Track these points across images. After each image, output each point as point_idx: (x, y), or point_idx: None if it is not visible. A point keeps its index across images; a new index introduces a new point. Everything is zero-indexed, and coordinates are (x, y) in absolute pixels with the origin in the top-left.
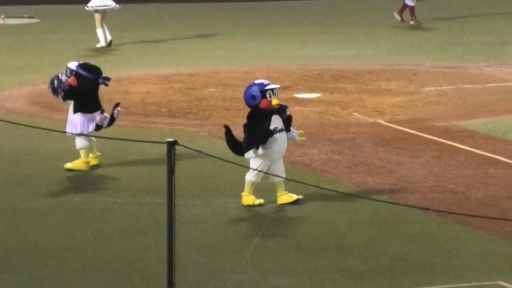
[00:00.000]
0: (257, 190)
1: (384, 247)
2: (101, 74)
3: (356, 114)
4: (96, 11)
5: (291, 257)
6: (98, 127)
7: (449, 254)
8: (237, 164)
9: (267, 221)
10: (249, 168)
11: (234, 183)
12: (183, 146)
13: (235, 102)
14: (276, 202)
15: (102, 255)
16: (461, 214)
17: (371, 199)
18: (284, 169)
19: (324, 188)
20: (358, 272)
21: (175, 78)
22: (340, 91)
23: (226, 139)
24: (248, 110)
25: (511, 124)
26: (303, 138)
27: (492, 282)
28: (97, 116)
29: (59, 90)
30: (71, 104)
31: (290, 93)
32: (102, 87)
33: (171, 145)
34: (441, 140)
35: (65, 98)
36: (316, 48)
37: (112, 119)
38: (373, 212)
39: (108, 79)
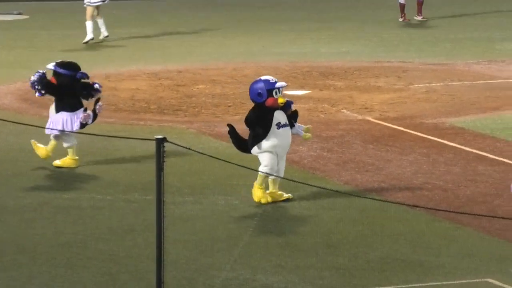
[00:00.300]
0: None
1: (373, 245)
2: (79, 69)
3: (345, 111)
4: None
5: (280, 254)
6: (82, 126)
7: (438, 251)
8: (226, 161)
9: (256, 218)
10: (238, 165)
11: (223, 180)
12: (172, 143)
13: (224, 99)
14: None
15: (91, 252)
16: (450, 211)
17: (360, 196)
18: (284, 167)
19: (313, 185)
20: (347, 269)
21: (164, 74)
22: (329, 88)
23: (230, 137)
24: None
25: (500, 121)
26: (309, 134)
27: (480, 280)
28: (80, 114)
29: (36, 86)
30: (52, 103)
31: None
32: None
33: (160, 142)
34: (430, 137)
35: (43, 94)
36: (306, 45)
37: (95, 115)
38: (362, 209)
39: (85, 74)
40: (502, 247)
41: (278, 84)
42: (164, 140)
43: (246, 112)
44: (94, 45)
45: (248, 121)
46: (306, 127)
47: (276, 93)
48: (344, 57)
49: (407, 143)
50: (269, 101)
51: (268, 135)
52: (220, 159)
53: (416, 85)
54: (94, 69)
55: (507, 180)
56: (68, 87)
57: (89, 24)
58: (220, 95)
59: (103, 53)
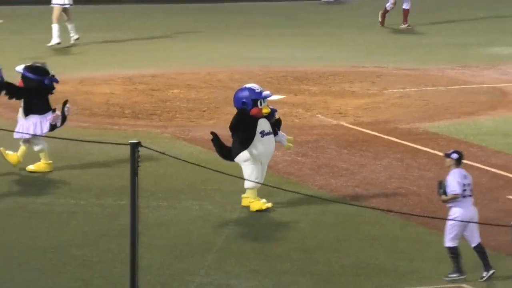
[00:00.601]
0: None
1: (347, 249)
2: (48, 74)
3: (319, 116)
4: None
5: (254, 260)
6: (52, 127)
7: (412, 256)
8: (201, 166)
9: (230, 224)
10: (212, 170)
11: (198, 184)
12: (147, 147)
13: (198, 104)
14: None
15: (65, 257)
16: (423, 216)
17: (334, 201)
18: (264, 175)
19: (287, 190)
20: (321, 274)
21: (138, 79)
22: (304, 93)
23: (214, 145)
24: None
25: (474, 126)
26: (291, 144)
27: (455, 285)
28: (49, 116)
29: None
30: (20, 108)
31: None
32: (66, 89)
33: (135, 146)
34: (403, 142)
35: (10, 98)
36: (281, 49)
37: (63, 117)
38: (336, 214)
39: (55, 80)
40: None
41: (263, 94)
42: (138, 144)
43: (221, 117)
44: (67, 49)
45: (232, 127)
46: (288, 137)
47: (261, 103)
48: (318, 62)
49: (381, 148)
50: (254, 111)
51: (253, 143)
52: (194, 164)
53: (390, 90)
54: (67, 73)
55: (480, 185)
56: (36, 91)
57: (55, 27)
58: (195, 100)
59: (77, 57)
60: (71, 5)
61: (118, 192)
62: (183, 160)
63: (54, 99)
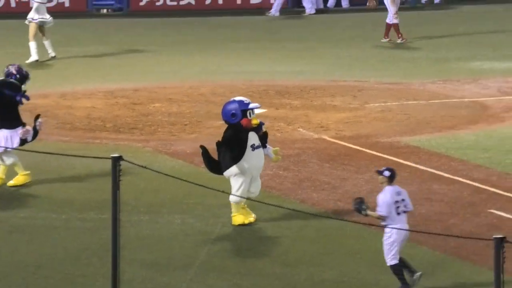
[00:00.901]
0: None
1: (329, 263)
2: (20, 91)
3: (301, 129)
4: (35, 22)
5: (237, 274)
6: (22, 142)
7: None
8: (182, 179)
9: (212, 237)
10: (194, 183)
11: (180, 198)
12: (128, 161)
13: (180, 117)
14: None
15: (46, 271)
16: (405, 229)
17: (316, 215)
18: (260, 186)
19: (269, 204)
20: None
21: (120, 93)
22: (285, 106)
23: (203, 159)
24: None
25: (454, 140)
26: (279, 156)
27: None
28: (19, 130)
29: None
30: None
31: None
32: (47, 103)
33: (116, 160)
34: (385, 156)
35: None
36: (262, 63)
37: (35, 132)
38: (318, 228)
39: (26, 97)
40: (457, 266)
41: (252, 105)
42: (120, 158)
43: (203, 130)
44: (48, 63)
45: (225, 141)
46: (274, 149)
47: (250, 114)
48: (300, 76)
49: (363, 162)
50: (244, 122)
51: (244, 157)
52: (176, 178)
53: (371, 104)
54: (49, 87)
55: (461, 199)
56: (6, 106)
57: (32, 45)
58: (177, 114)
59: (58, 71)
60: (49, 22)
61: (100, 206)
62: (165, 174)
63: (35, 113)
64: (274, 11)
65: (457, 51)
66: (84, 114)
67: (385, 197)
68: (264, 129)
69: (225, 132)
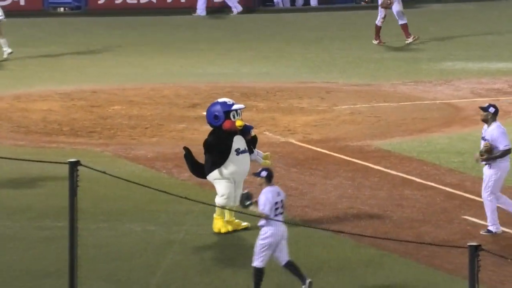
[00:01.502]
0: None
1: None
2: None
3: (267, 133)
4: None
5: (200, 283)
6: None
7: (364, 279)
8: (144, 185)
9: (175, 246)
10: (156, 190)
11: (141, 205)
12: (86, 166)
13: (141, 121)
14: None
15: None
16: (375, 237)
17: (283, 221)
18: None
19: (233, 210)
20: None
21: (77, 95)
22: (251, 109)
23: (186, 161)
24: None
25: (427, 143)
26: (268, 161)
27: None
28: None
29: None
30: None
31: (199, 111)
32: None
33: (74, 165)
34: (355, 160)
35: None
36: (227, 65)
37: None
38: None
39: None
40: (429, 275)
41: (235, 106)
42: (77, 163)
43: (165, 134)
44: (3, 64)
45: (207, 145)
46: (265, 154)
47: (234, 116)
48: (266, 77)
49: (332, 167)
50: (227, 124)
51: (227, 161)
52: (137, 184)
53: (340, 107)
54: (3, 89)
55: (434, 205)
56: None
57: None
58: (137, 117)
59: (12, 72)
60: (2, 18)
61: (56, 214)
62: (125, 180)
63: None
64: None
65: (428, 52)
66: (40, 117)
67: (267, 197)
68: (252, 133)
69: (209, 135)
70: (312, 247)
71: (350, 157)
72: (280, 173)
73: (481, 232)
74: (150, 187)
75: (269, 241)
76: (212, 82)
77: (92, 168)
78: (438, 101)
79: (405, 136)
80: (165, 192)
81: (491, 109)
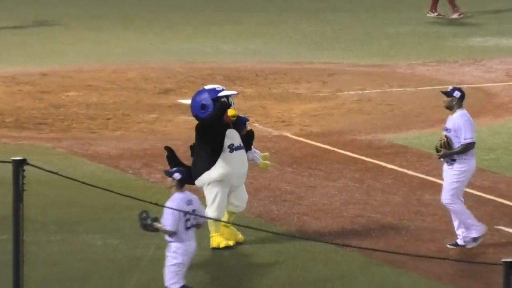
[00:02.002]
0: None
1: None
2: None
3: (257, 125)
4: None
5: None
6: None
7: None
8: (105, 189)
9: (143, 264)
10: (120, 194)
11: (102, 214)
12: (34, 166)
13: (102, 110)
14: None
15: None
16: (389, 252)
17: (276, 233)
18: (246, 198)
19: (213, 219)
20: None
21: (24, 78)
22: (236, 96)
23: (169, 163)
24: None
25: None
26: (267, 162)
27: None
28: None
29: None
30: None
31: (173, 98)
32: None
33: (19, 164)
34: (363, 158)
35: None
36: (206, 41)
37: None
38: (279, 249)
39: None
40: None
41: (225, 92)
42: (23, 162)
43: (131, 126)
44: None
45: (196, 141)
46: (263, 154)
47: None
48: (254, 57)
49: (335, 166)
50: None
51: (219, 160)
52: (96, 187)
53: (345, 93)
54: None
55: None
56: None
57: None
58: (97, 105)
59: None
60: None
61: None
62: (82, 182)
63: None
64: None
65: (454, 26)
66: None
67: (172, 206)
68: (248, 127)
69: (196, 129)
70: (312, 264)
71: (357, 154)
72: (272, 173)
73: (447, 245)
74: (113, 191)
75: (181, 260)
76: (188, 62)
77: (41, 168)
78: (465, 86)
79: (424, 128)
80: (131, 197)
81: (456, 94)
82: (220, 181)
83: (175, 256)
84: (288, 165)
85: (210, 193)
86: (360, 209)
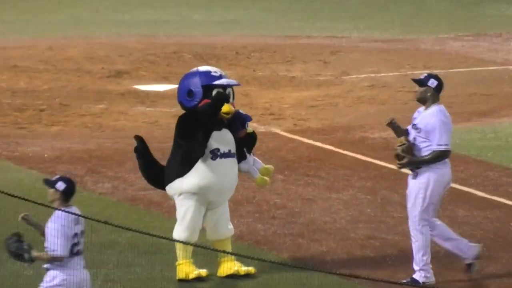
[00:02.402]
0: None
1: None
2: None
3: None
4: None
5: None
6: None
7: None
8: (37, 203)
9: None
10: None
11: (32, 232)
12: None
13: (33, 98)
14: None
15: None
16: (409, 285)
17: (263, 260)
18: (227, 224)
19: (182, 243)
20: None
21: None
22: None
23: (138, 160)
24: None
25: (493, 134)
26: (267, 179)
27: None
28: None
29: None
30: None
31: (127, 83)
32: None
33: None
34: (376, 162)
35: None
36: (170, 9)
37: None
38: (266, 280)
39: None
40: None
41: (221, 81)
42: None
43: (72, 120)
44: None
45: (175, 138)
46: (265, 166)
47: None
48: (233, 29)
49: (340, 172)
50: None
51: (195, 167)
52: (26, 200)
53: (353, 76)
54: None
55: (506, 232)
56: None
57: None
58: (26, 92)
59: None
60: None
61: None
62: (5, 193)
63: None
64: None
65: None
66: None
67: (58, 225)
68: (248, 128)
69: (178, 121)
70: None
71: (369, 156)
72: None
73: (402, 281)
74: (47, 206)
75: None
76: (147, 36)
77: None
78: (510, 67)
79: (457, 123)
80: (72, 213)
81: (432, 83)
82: (194, 194)
83: (51, 286)
84: (278, 171)
85: (180, 207)
86: (373, 228)
